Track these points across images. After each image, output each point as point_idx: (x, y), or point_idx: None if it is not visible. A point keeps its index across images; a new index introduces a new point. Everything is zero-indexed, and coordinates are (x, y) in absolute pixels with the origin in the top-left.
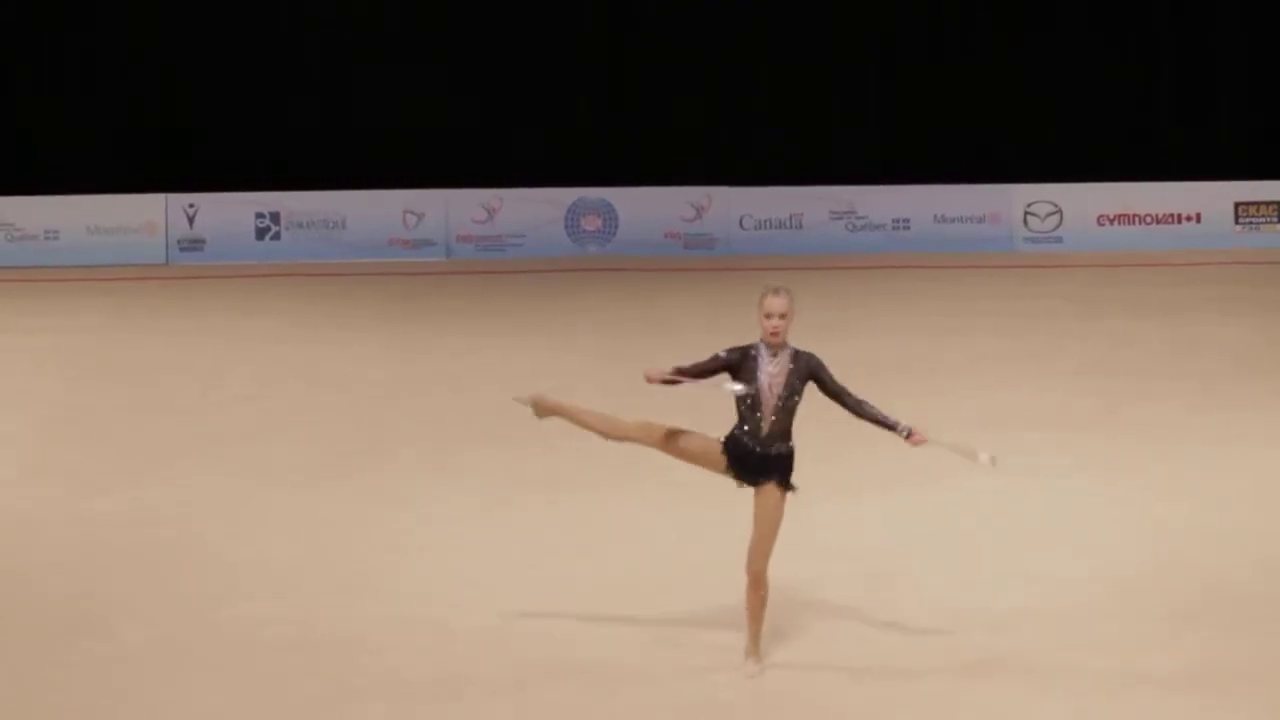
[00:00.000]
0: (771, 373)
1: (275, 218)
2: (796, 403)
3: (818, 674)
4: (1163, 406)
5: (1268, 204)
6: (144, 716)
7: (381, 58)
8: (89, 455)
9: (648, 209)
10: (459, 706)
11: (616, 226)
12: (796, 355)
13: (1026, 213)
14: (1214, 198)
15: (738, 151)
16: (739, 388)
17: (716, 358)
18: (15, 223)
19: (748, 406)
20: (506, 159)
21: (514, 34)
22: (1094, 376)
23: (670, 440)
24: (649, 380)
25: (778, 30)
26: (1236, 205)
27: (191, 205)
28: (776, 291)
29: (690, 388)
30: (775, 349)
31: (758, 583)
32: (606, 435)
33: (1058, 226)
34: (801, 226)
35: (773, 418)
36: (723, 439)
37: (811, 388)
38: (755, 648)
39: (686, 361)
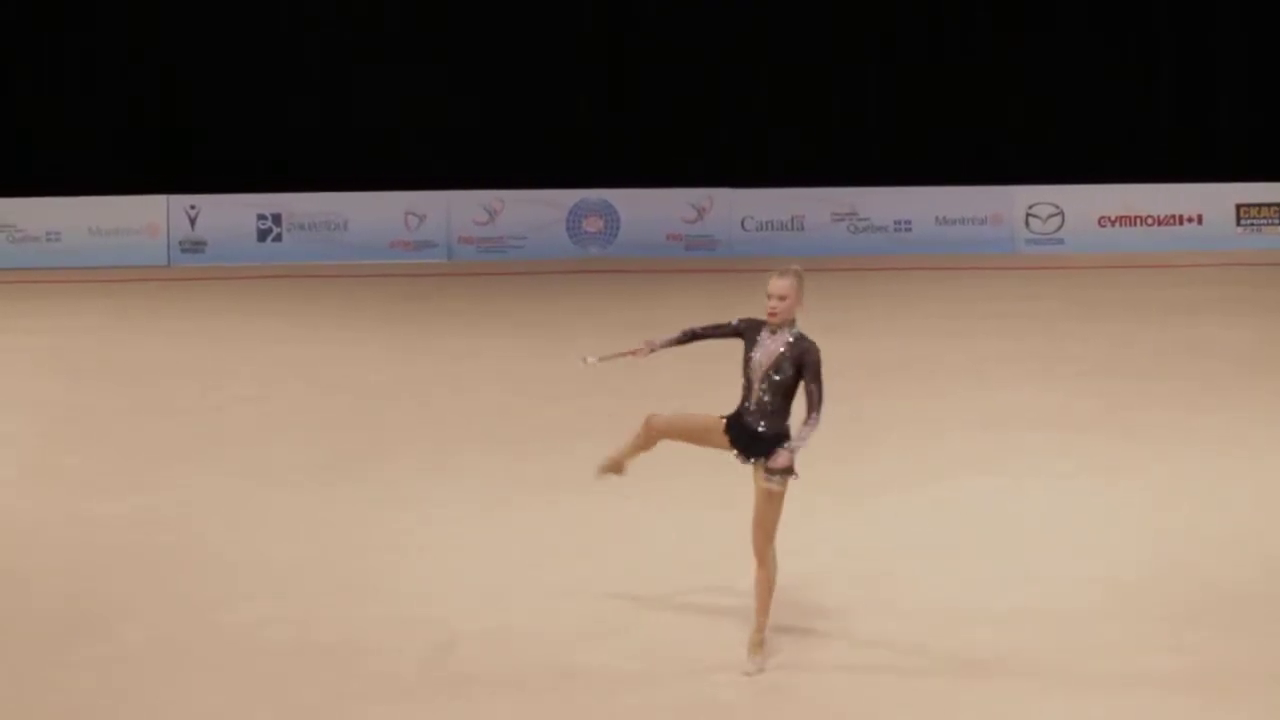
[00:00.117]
0: (766, 350)
1: (277, 219)
2: (782, 383)
3: (818, 674)
4: (1164, 408)
5: (1269, 206)
6: (144, 717)
7: (382, 59)
8: (89, 456)
9: (649, 210)
10: (459, 707)
11: (618, 228)
12: (797, 340)
13: (1028, 214)
14: (1215, 199)
15: (739, 153)
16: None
17: (729, 324)
18: (17, 224)
19: (744, 383)
20: (508, 160)
21: (514, 35)
22: (1095, 378)
23: (684, 425)
24: (651, 349)
25: (778, 31)
26: (1238, 207)
27: (193, 207)
28: (782, 273)
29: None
30: (775, 329)
31: (758, 561)
32: (649, 448)
33: (1059, 228)
34: (803, 228)
35: (759, 394)
36: (727, 416)
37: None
38: (759, 640)
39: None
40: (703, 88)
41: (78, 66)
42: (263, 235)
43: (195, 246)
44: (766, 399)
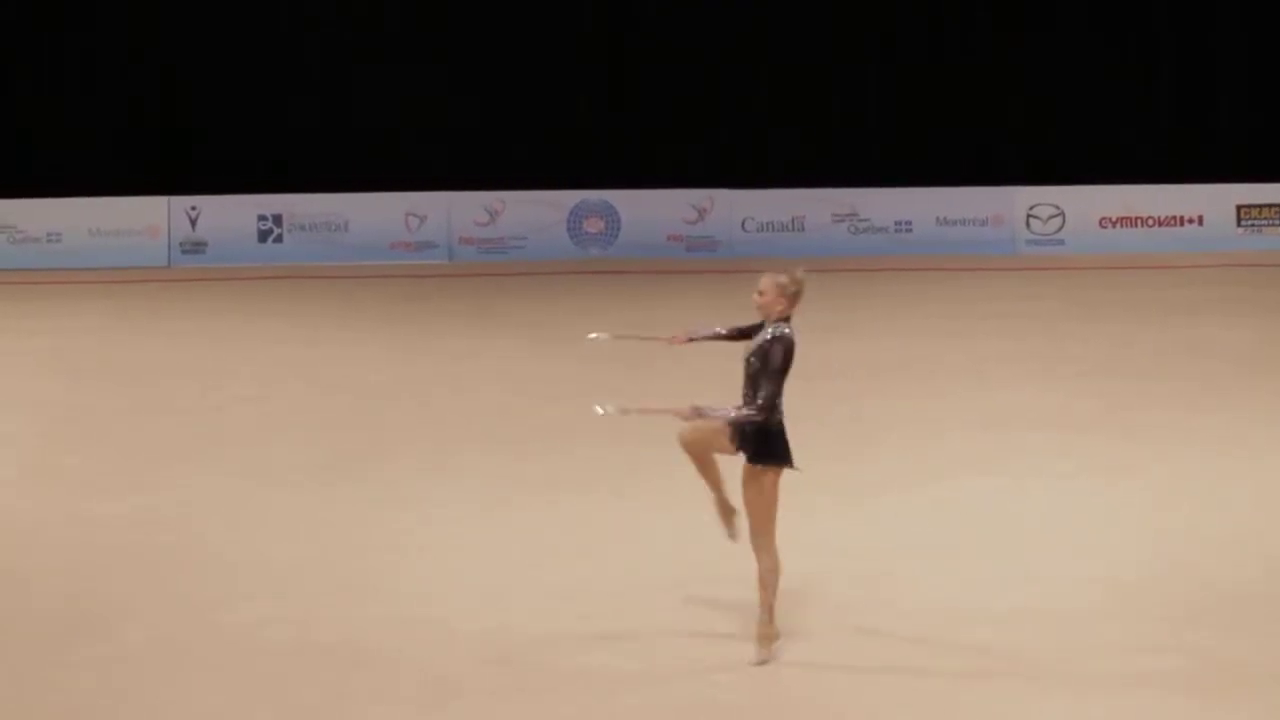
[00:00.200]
0: (751, 343)
1: (278, 220)
2: (752, 375)
3: (818, 674)
4: (1164, 408)
5: (1270, 206)
6: (144, 717)
7: (383, 59)
8: (90, 457)
9: (650, 211)
10: (459, 707)
11: (618, 229)
12: (773, 336)
13: (1028, 215)
14: (1216, 200)
15: (739, 154)
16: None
17: (738, 327)
18: (17, 225)
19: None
20: (508, 161)
21: (515, 35)
22: (1096, 378)
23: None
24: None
25: (779, 32)
26: (1238, 208)
27: (194, 208)
28: (773, 274)
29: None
30: (763, 324)
31: (755, 555)
32: (707, 463)
33: (1060, 229)
34: (803, 229)
35: (743, 386)
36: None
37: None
38: (765, 633)
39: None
40: (703, 88)
41: (78, 66)
42: (263, 236)
43: (196, 247)
44: (746, 390)
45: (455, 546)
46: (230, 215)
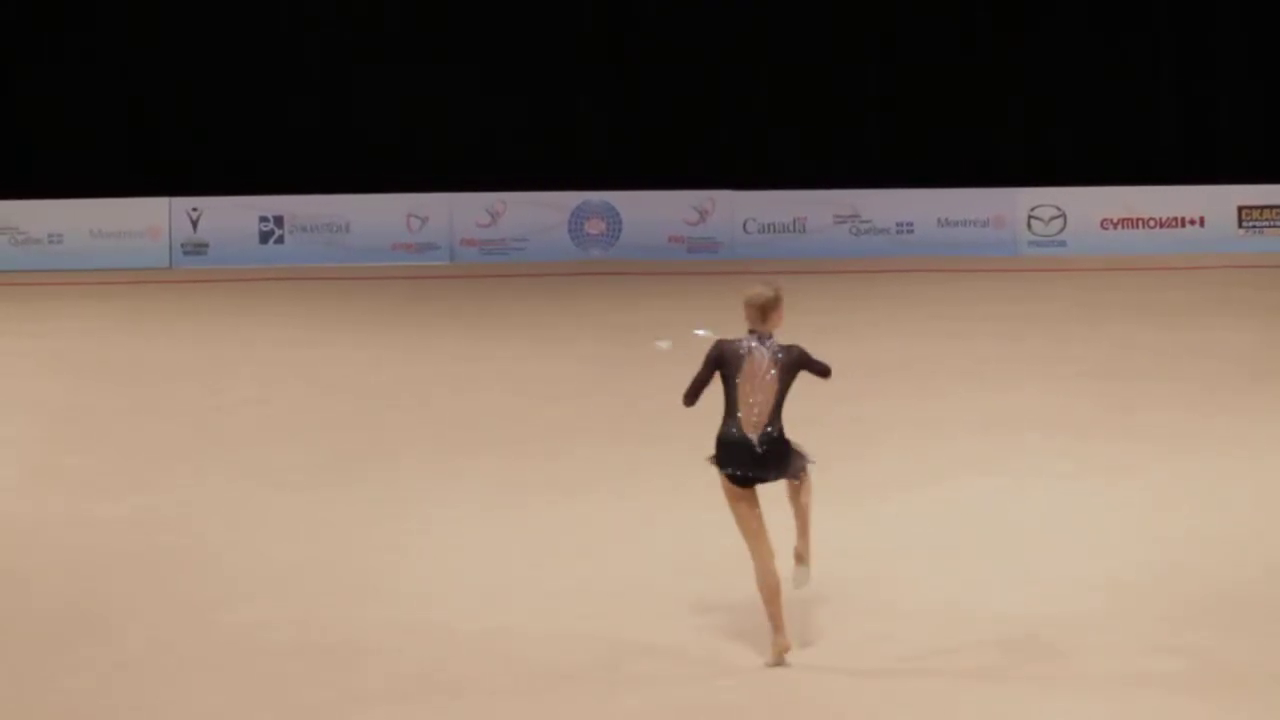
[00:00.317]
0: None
1: (279, 221)
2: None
3: (818, 674)
4: (1165, 409)
5: (1271, 208)
6: (144, 718)
7: (384, 60)
8: (91, 458)
9: (651, 213)
10: (460, 707)
11: (620, 230)
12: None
13: (1030, 216)
14: (1217, 201)
15: (741, 155)
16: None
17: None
18: (19, 226)
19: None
20: (510, 163)
21: (517, 36)
22: (1097, 379)
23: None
24: None
25: (781, 33)
26: (1240, 209)
27: (195, 209)
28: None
29: None
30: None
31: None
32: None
33: (1061, 230)
34: (805, 230)
35: (776, 398)
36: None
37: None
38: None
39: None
40: (704, 89)
41: (78, 67)
42: (265, 237)
43: (197, 249)
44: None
45: (455, 547)
46: (232, 216)
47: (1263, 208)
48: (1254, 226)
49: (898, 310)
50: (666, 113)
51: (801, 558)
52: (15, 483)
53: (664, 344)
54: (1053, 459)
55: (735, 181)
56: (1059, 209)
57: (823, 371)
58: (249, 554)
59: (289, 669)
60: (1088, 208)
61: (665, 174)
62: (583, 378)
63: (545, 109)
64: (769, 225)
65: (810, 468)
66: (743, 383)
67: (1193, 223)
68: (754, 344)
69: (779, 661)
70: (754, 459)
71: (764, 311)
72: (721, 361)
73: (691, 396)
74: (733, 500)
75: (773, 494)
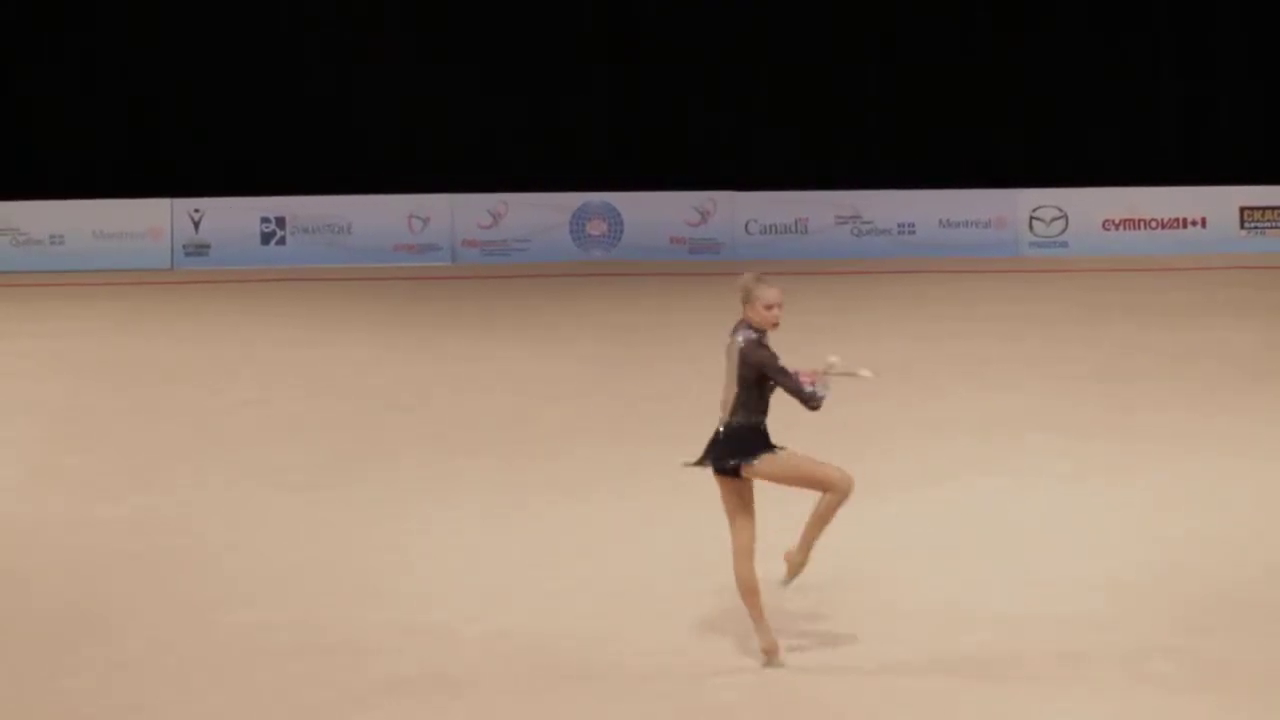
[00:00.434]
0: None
1: (280, 222)
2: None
3: (818, 674)
4: (1166, 410)
5: (1273, 209)
6: (144, 718)
7: (385, 62)
8: (92, 459)
9: (652, 214)
10: (460, 708)
11: (621, 231)
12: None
13: (1031, 217)
14: (1219, 202)
15: (743, 156)
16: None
17: (780, 364)
18: (20, 227)
19: (773, 390)
20: (511, 164)
21: (518, 37)
22: (1098, 380)
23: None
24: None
25: (781, 33)
26: (1242, 210)
27: (197, 210)
28: (768, 282)
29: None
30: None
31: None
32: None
33: (1063, 231)
34: (806, 231)
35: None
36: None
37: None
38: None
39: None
40: (705, 91)
41: (78, 67)
42: (266, 238)
43: (199, 249)
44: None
45: (456, 547)
46: (233, 217)
47: (1264, 209)
48: (1256, 227)
49: (899, 311)
50: (666, 113)
51: (788, 562)
52: (15, 483)
53: (866, 373)
54: (1053, 459)
55: (737, 182)
56: (1060, 210)
57: (790, 391)
58: (249, 554)
59: (289, 669)
60: (1089, 208)
61: (666, 175)
62: (583, 378)
63: (545, 109)
64: (770, 226)
65: (834, 495)
66: (726, 372)
67: (1194, 223)
68: (736, 334)
69: (770, 662)
70: (713, 445)
71: (741, 302)
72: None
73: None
74: (719, 488)
75: (774, 496)
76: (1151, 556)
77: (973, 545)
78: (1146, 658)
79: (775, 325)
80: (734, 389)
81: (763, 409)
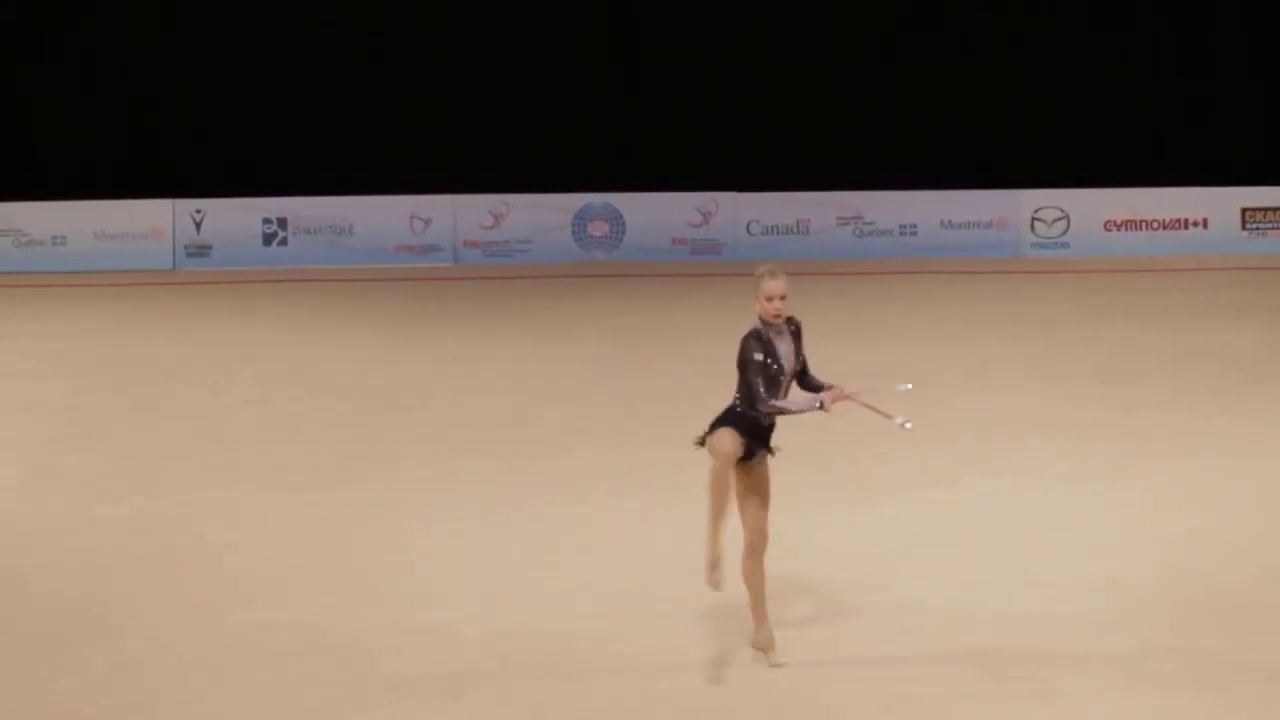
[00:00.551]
0: (786, 352)
1: (282, 223)
2: (795, 370)
3: (819, 675)
4: (1168, 411)
5: (1275, 210)
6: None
7: (387, 63)
8: (92, 459)
9: (654, 215)
10: (460, 708)
11: (623, 232)
12: (790, 322)
13: (1033, 218)
14: (1221, 203)
15: (744, 157)
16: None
17: (761, 362)
18: (22, 228)
19: (770, 382)
20: (512, 164)
21: (520, 38)
22: (1099, 381)
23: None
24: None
25: (781, 33)
26: (1244, 211)
27: (198, 211)
28: (774, 274)
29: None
30: (779, 329)
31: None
32: (724, 512)
33: (1065, 232)
34: (808, 232)
35: (787, 390)
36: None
37: None
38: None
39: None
40: (707, 91)
41: (78, 67)
42: (268, 239)
43: (201, 250)
44: (790, 392)
45: (456, 547)
46: (235, 218)
47: (1266, 209)
48: (1257, 228)
49: (901, 312)
50: (666, 113)
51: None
52: (16, 483)
53: (898, 421)
54: (1054, 459)
55: (739, 184)
56: (1062, 210)
57: (748, 389)
58: (249, 555)
59: (289, 669)
60: (1091, 209)
61: (668, 176)
62: (583, 378)
63: (546, 109)
64: (772, 227)
65: (710, 446)
66: None
67: (1196, 224)
68: None
69: (767, 659)
70: None
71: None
72: None
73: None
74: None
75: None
76: (1152, 557)
77: (973, 545)
78: (1147, 658)
79: (777, 317)
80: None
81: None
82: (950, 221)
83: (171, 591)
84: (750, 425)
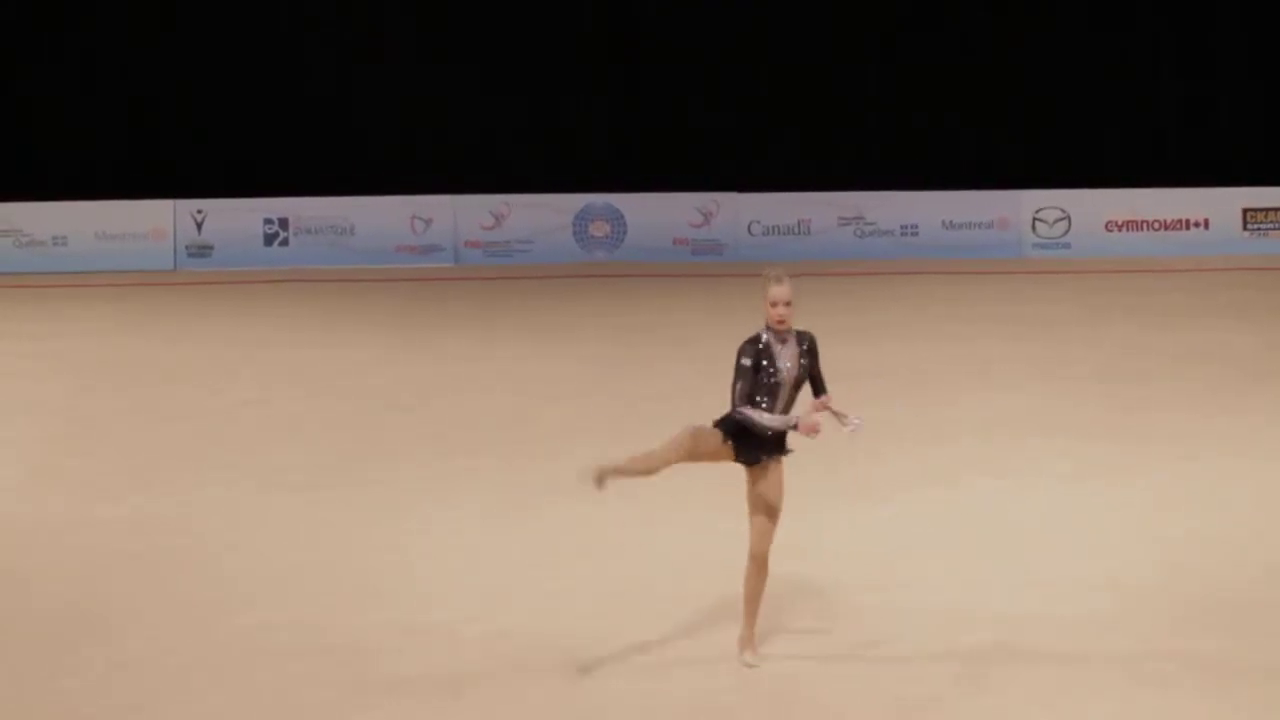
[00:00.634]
0: (787, 357)
1: (283, 223)
2: (802, 383)
3: (820, 675)
4: (1169, 411)
5: (1276, 210)
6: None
7: (388, 63)
8: (92, 460)
9: (656, 215)
10: (460, 708)
11: (624, 232)
12: (800, 336)
13: (1034, 218)
14: (1222, 204)
15: (745, 157)
16: (854, 426)
17: (745, 367)
18: (23, 229)
19: (768, 390)
20: (513, 164)
21: (517, 37)
22: (1101, 381)
23: (692, 447)
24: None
25: (781, 33)
26: (1244, 211)
27: (200, 211)
28: (780, 280)
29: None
30: (783, 334)
31: (766, 562)
32: (653, 472)
33: (1066, 232)
34: (810, 232)
35: (789, 399)
36: (723, 429)
37: None
38: (753, 637)
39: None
40: (708, 92)
41: (78, 67)
42: (269, 239)
43: (202, 251)
44: (792, 402)
45: (456, 548)
46: (236, 218)
47: (1267, 210)
48: (1259, 229)
49: (902, 312)
50: (667, 113)
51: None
52: (15, 483)
53: (853, 423)
54: (1054, 460)
55: (740, 185)
56: (1063, 211)
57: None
58: (249, 555)
59: (289, 670)
60: (1092, 210)
61: (669, 176)
62: (583, 378)
63: (546, 110)
64: (773, 227)
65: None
66: None
67: (1197, 225)
68: None
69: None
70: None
71: None
72: None
73: None
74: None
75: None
76: (1152, 557)
77: (974, 545)
78: (1147, 658)
79: (781, 323)
80: None
81: (760, 404)
82: (951, 222)
83: (171, 592)
84: (752, 431)
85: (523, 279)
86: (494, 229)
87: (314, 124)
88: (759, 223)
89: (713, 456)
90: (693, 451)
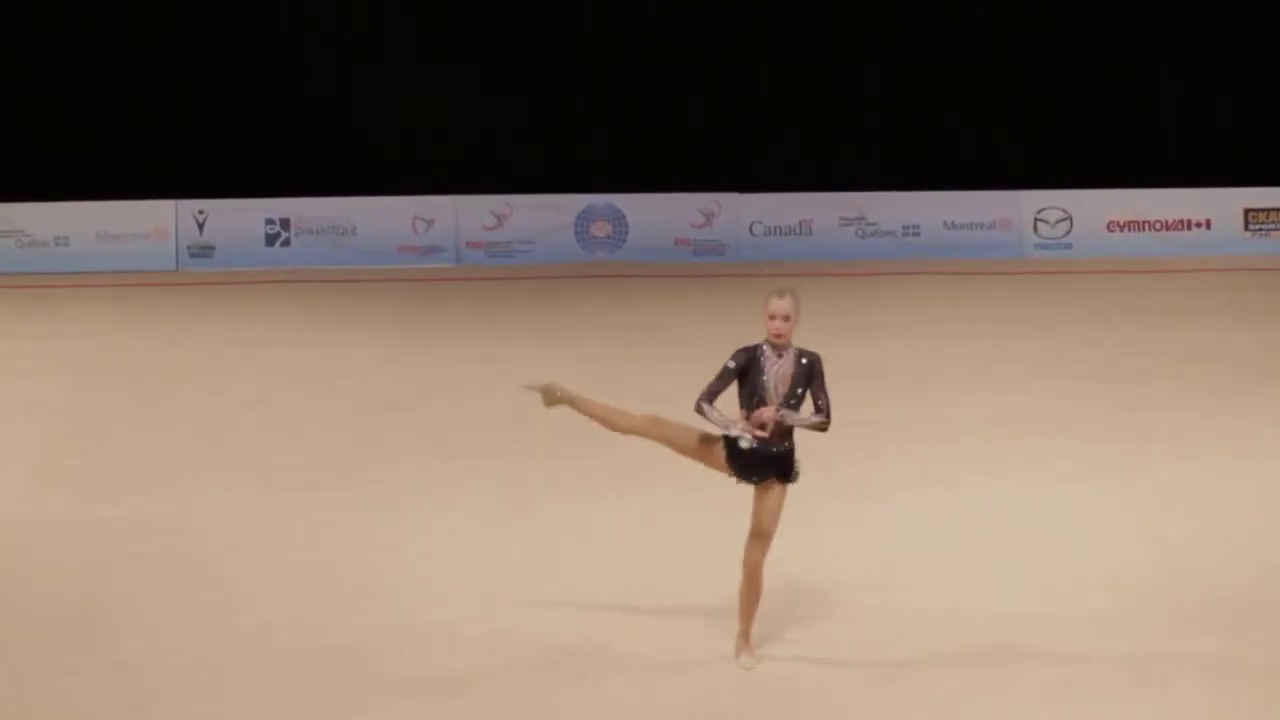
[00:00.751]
0: (777, 373)
1: (285, 224)
2: (798, 403)
3: (820, 675)
4: (1170, 412)
5: (1277, 210)
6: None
7: (389, 63)
8: (95, 461)
9: (657, 215)
10: (460, 708)
11: (626, 233)
12: (801, 356)
13: (1036, 219)
14: (1223, 204)
15: (745, 157)
16: (744, 441)
17: (727, 369)
18: (25, 229)
19: (753, 407)
20: (514, 165)
21: (517, 37)
22: (1102, 382)
23: (674, 436)
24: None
25: (781, 33)
26: (1246, 211)
27: (201, 211)
28: (781, 293)
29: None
30: (780, 349)
31: (756, 576)
32: (614, 428)
33: (1067, 233)
34: (811, 233)
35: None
36: (725, 445)
37: None
38: (748, 641)
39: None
40: (709, 92)
41: (79, 67)
42: (271, 240)
43: (203, 251)
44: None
45: (456, 548)
46: (237, 219)
47: (1269, 210)
48: (1260, 229)
49: (903, 313)
50: (666, 114)
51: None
52: (16, 484)
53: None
54: (1054, 460)
55: (742, 185)
56: (1065, 211)
57: None
58: (249, 555)
59: (289, 670)
60: (1094, 210)
61: (670, 176)
62: (584, 378)
63: (546, 110)
64: (775, 228)
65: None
66: None
67: (1199, 225)
68: None
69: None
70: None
71: None
72: None
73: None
74: None
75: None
76: (1152, 557)
77: (974, 545)
78: (1147, 658)
79: (777, 336)
80: None
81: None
82: (953, 223)
83: (172, 592)
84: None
85: (524, 279)
86: (495, 229)
87: (315, 124)
88: (760, 223)
89: (717, 467)
90: (687, 447)
